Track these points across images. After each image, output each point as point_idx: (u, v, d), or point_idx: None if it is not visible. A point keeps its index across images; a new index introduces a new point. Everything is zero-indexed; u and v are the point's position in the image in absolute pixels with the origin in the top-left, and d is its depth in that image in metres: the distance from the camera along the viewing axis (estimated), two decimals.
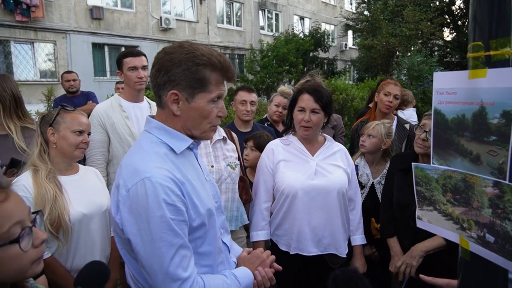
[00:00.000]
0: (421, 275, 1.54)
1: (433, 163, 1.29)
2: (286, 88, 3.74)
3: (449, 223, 1.27)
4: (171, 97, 1.28)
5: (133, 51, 2.78)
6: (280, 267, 1.61)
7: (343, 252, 2.26)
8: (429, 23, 17.50)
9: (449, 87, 1.19)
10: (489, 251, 1.13)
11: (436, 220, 1.32)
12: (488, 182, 1.10)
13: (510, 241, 1.06)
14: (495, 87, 1.05)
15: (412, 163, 1.36)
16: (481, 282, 1.20)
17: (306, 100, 2.21)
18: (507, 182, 1.05)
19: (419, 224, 1.39)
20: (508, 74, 1.02)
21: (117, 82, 6.85)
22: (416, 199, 1.37)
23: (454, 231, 1.26)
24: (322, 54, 20.40)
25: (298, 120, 2.23)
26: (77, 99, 5.50)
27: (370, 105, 3.67)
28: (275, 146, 2.33)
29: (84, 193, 1.98)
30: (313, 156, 2.28)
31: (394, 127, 3.15)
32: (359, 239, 2.40)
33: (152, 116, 1.39)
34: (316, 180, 2.19)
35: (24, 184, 1.82)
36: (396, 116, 3.31)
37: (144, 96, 2.91)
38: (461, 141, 1.18)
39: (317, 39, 19.53)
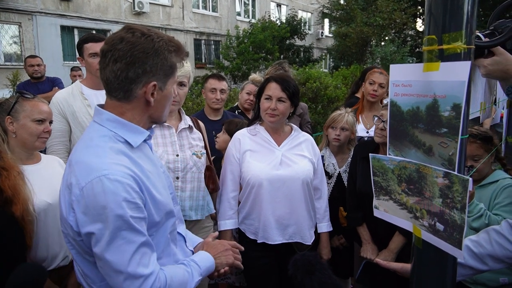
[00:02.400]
0: (376, 259, 1.59)
1: (389, 154, 1.32)
2: (257, 76, 3.72)
3: (404, 212, 1.31)
4: (151, 89, 1.23)
5: (94, 36, 2.66)
6: (242, 247, 1.65)
7: (308, 240, 2.30)
8: (402, 13, 17.78)
9: (405, 80, 1.21)
10: (438, 239, 1.17)
11: (391, 210, 1.36)
12: (439, 173, 1.14)
13: (457, 229, 1.10)
14: (447, 80, 1.08)
15: (370, 154, 1.38)
16: (432, 268, 1.25)
17: (273, 89, 2.22)
18: (455, 173, 1.09)
19: (376, 213, 1.43)
20: (459, 68, 1.05)
21: (72, 69, 6.59)
22: (373, 189, 1.40)
23: (408, 219, 1.30)
24: (298, 42, 20.40)
25: (265, 108, 2.25)
26: (42, 85, 5.28)
27: (358, 95, 3.66)
28: (241, 136, 2.34)
29: (48, 182, 1.91)
30: (279, 146, 2.30)
31: None
32: (325, 226, 2.46)
33: (102, 106, 1.31)
34: (281, 170, 2.22)
35: None
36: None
37: None
38: (416, 132, 1.21)
39: (293, 26, 19.49)
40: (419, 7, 21.80)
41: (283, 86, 2.22)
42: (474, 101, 1.69)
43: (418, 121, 1.19)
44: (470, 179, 1.04)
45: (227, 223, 2.29)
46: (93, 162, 1.16)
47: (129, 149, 1.26)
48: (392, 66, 1.26)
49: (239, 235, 2.38)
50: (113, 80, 1.22)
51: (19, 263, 1.50)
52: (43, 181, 1.90)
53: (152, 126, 1.40)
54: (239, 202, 2.35)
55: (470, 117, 1.32)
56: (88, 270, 1.26)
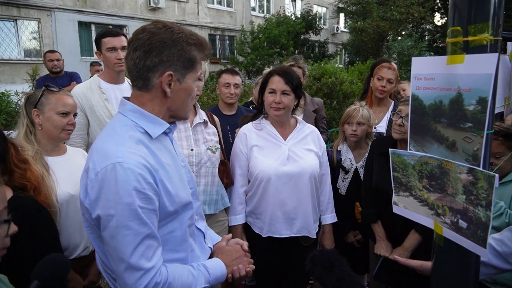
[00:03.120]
0: (395, 256, 1.56)
1: (410, 149, 1.29)
2: None
3: (424, 209, 1.28)
4: (167, 79, 1.25)
5: (112, 31, 2.67)
6: (246, 246, 1.61)
7: (314, 233, 2.32)
8: (420, 7, 17.43)
9: (427, 73, 1.18)
10: (461, 237, 1.14)
11: (411, 206, 1.33)
12: (462, 169, 1.10)
13: (481, 227, 1.07)
14: (472, 73, 1.04)
15: (389, 149, 1.35)
16: (454, 266, 1.22)
17: (277, 82, 2.21)
18: (481, 169, 1.06)
19: (395, 209, 1.40)
20: (485, 60, 1.01)
21: (93, 63, 6.66)
22: (392, 185, 1.38)
23: (429, 216, 1.27)
24: (313, 37, 20.21)
25: (269, 102, 2.24)
26: (60, 79, 5.38)
27: None
28: (247, 131, 2.34)
29: (71, 174, 1.95)
30: (285, 140, 2.30)
31: (389, 112, 3.12)
32: (329, 218, 2.46)
33: (128, 98, 1.34)
34: (288, 165, 2.22)
35: None
36: (393, 101, 3.28)
37: (125, 77, 2.83)
38: (438, 127, 1.18)
39: (308, 21, 19.32)
40: (437, 1, 21.33)
41: (286, 79, 2.21)
42: (498, 95, 1.64)
43: (441, 115, 1.16)
44: (496, 175, 1.01)
45: (238, 218, 2.31)
46: (110, 149, 1.19)
47: (148, 139, 1.28)
48: (414, 59, 1.22)
49: (245, 228, 2.38)
50: (133, 68, 1.26)
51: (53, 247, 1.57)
52: (67, 173, 1.94)
53: (176, 123, 1.41)
54: (245, 196, 2.36)
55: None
56: (104, 256, 1.28)
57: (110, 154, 1.17)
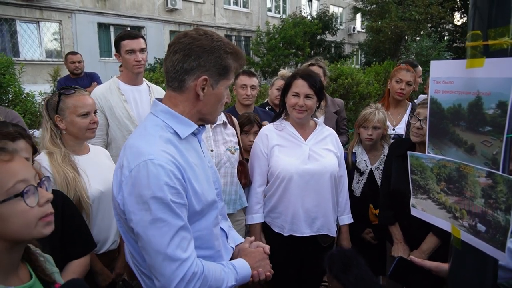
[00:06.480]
0: (411, 257, 1.56)
1: (428, 152, 1.29)
2: (287, 71, 3.70)
3: (442, 212, 1.28)
4: (201, 82, 1.31)
5: (131, 33, 2.73)
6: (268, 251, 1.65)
7: (334, 232, 2.36)
8: (439, 7, 17.12)
9: (446, 76, 1.18)
10: (479, 240, 1.14)
11: (429, 209, 1.33)
12: (481, 173, 1.10)
13: (500, 231, 1.07)
14: (492, 77, 1.04)
15: (408, 152, 1.36)
16: (471, 270, 1.21)
17: (301, 86, 2.24)
18: (500, 172, 1.06)
19: (414, 212, 1.40)
20: (505, 64, 1.01)
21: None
22: (411, 188, 1.38)
23: (447, 220, 1.27)
24: (329, 38, 20.07)
25: (292, 104, 2.26)
26: (81, 80, 5.48)
27: None
28: (268, 131, 2.37)
29: (99, 171, 2.03)
30: (305, 140, 2.32)
31: (407, 113, 3.13)
32: (346, 218, 2.49)
33: (160, 99, 1.40)
34: (309, 164, 2.25)
35: (42, 165, 1.86)
36: (410, 103, 3.27)
37: (144, 79, 2.89)
38: (457, 130, 1.18)
39: (325, 22, 19.18)
40: (457, 0, 20.91)
41: (310, 82, 2.23)
42: None
43: (459, 119, 1.16)
44: None
45: (254, 217, 2.34)
46: (143, 147, 1.25)
47: (177, 140, 1.34)
48: (433, 63, 1.23)
49: (264, 228, 2.41)
50: (171, 69, 1.32)
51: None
52: (95, 170, 2.01)
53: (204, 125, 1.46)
54: (264, 196, 2.39)
55: None
56: (134, 250, 1.34)
57: (143, 152, 1.24)
